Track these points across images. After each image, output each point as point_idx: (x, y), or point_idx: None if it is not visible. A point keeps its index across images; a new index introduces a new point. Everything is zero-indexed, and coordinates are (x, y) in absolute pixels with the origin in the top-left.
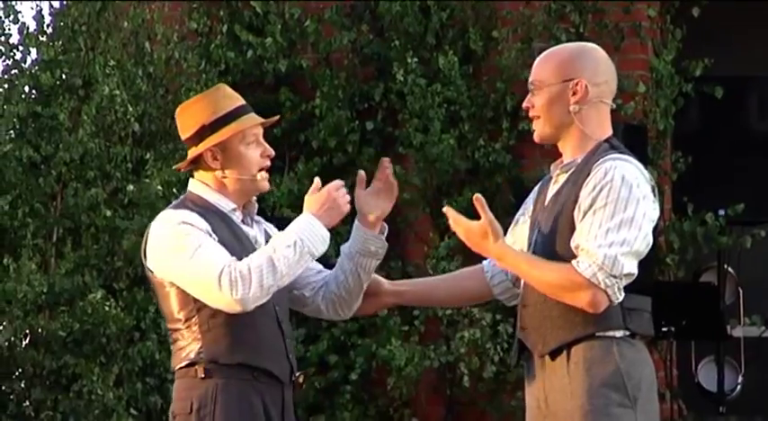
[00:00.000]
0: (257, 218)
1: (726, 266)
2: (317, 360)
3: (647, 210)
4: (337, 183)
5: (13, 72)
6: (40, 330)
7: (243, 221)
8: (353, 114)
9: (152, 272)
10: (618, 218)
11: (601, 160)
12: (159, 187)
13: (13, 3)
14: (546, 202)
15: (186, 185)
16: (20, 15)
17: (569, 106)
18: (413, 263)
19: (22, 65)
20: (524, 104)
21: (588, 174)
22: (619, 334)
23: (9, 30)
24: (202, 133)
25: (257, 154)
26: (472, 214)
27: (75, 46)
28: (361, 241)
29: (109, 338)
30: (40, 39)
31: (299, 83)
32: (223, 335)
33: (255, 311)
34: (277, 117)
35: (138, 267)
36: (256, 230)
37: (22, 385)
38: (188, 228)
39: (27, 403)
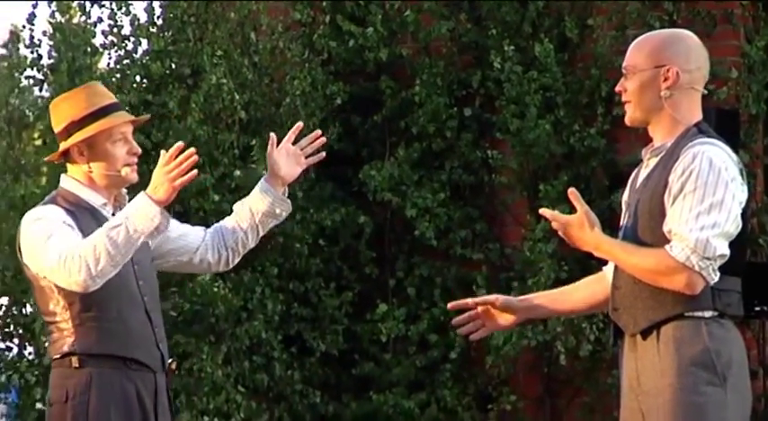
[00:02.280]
0: None
1: None
2: (418, 339)
3: (736, 193)
4: (168, 156)
5: (125, 62)
6: None
7: (114, 214)
8: (452, 101)
9: (27, 266)
10: (708, 201)
11: (689, 144)
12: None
13: None
14: (637, 186)
15: None
16: (131, 8)
17: (660, 92)
18: (510, 245)
19: (134, 55)
20: (617, 88)
21: (677, 159)
22: (708, 314)
23: (121, 22)
24: (70, 129)
25: (123, 151)
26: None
27: (184, 37)
28: (268, 202)
29: (217, 318)
30: (151, 30)
31: (400, 71)
32: (94, 329)
33: (124, 304)
34: (148, 116)
35: None
36: None
37: None
38: (45, 221)
39: None
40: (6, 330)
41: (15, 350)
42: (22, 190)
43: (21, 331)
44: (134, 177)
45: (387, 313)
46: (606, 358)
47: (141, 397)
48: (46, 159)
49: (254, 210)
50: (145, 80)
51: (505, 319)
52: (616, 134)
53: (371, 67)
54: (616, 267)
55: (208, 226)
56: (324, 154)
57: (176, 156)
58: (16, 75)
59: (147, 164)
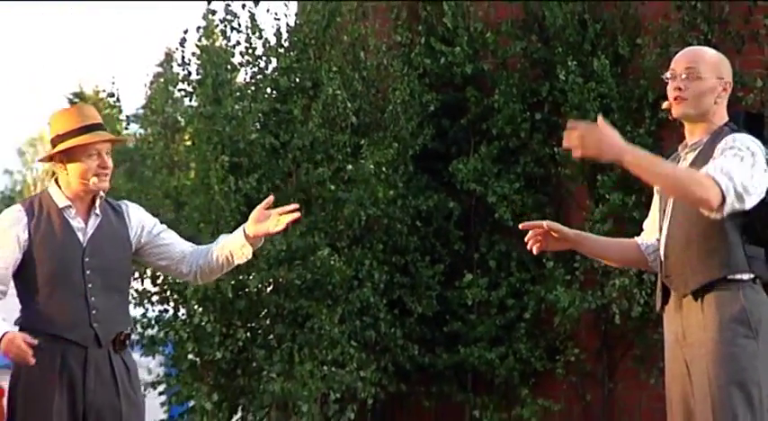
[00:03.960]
0: (117, 207)
1: None
2: (498, 302)
3: (764, 171)
4: (28, 341)
5: (258, 77)
6: (280, 279)
7: (89, 213)
8: (525, 107)
9: None
10: (738, 158)
11: (728, 134)
12: (372, 167)
13: (258, 22)
14: None
15: (394, 166)
16: (263, 32)
17: (715, 99)
18: (573, 225)
19: (265, 71)
20: (677, 84)
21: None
22: (746, 277)
23: (255, 44)
24: (55, 140)
25: (95, 164)
26: (623, 187)
27: (306, 56)
28: (238, 245)
29: (334, 286)
30: (279, 51)
31: (482, 82)
32: (31, 309)
33: (59, 290)
34: (124, 138)
35: (357, 229)
36: (92, 223)
37: (267, 322)
38: None
39: (271, 336)
40: (163, 295)
41: (171, 311)
42: (175, 182)
43: (175, 296)
44: (103, 186)
45: (472, 281)
46: (653, 318)
47: (69, 365)
48: (38, 159)
49: (225, 244)
50: (274, 92)
51: (560, 244)
52: (661, 133)
53: (459, 80)
54: (666, 242)
55: (324, 210)
56: (298, 214)
57: (32, 348)
58: (170, 88)
59: (276, 160)
